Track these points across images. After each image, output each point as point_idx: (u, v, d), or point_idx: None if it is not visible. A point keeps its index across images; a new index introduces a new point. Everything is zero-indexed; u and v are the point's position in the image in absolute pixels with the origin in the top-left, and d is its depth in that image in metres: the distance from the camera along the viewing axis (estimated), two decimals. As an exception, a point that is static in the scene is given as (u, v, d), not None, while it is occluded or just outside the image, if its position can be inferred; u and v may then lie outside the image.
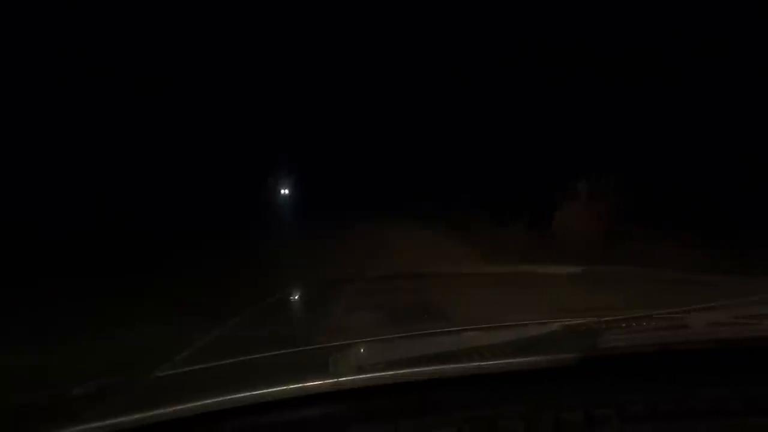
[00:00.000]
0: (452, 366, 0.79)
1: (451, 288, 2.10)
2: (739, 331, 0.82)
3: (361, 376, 0.79)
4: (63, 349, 3.66)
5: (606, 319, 0.89)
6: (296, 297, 2.13)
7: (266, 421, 0.77)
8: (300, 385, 0.78)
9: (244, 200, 21.24)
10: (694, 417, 0.75)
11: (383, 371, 0.80)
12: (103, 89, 12.28)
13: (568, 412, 0.75)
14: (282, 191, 33.20)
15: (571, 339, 0.84)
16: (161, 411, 0.76)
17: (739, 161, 7.23)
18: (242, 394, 0.77)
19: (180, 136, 15.83)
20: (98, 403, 0.95)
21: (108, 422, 0.75)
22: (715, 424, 0.75)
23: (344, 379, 0.78)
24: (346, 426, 0.77)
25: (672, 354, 0.78)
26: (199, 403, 0.76)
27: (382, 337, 1.10)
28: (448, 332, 1.07)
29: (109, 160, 12.54)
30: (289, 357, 1.02)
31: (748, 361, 0.80)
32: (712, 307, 0.93)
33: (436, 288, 2.10)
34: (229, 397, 0.77)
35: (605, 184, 8.58)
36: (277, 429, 0.78)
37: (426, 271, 3.02)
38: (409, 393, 0.79)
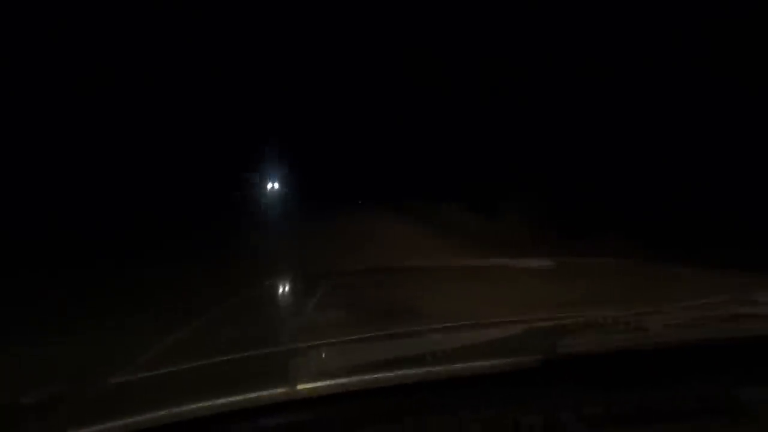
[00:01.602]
0: (413, 371, 0.77)
1: (425, 282, 2.09)
2: (695, 333, 0.82)
3: (318, 384, 0.77)
4: (17, 351, 3.53)
5: (566, 322, 0.88)
6: (267, 294, 2.09)
7: None
8: (256, 394, 0.75)
9: (220, 195, 20.84)
10: (654, 419, 0.75)
11: (343, 377, 0.78)
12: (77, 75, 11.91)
13: (528, 417, 0.73)
14: (270, 186, 32.63)
15: (531, 341, 0.82)
16: (111, 425, 0.73)
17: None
18: (195, 406, 0.74)
19: (159, 126, 15.44)
20: (49, 413, 0.91)
21: None
22: (673, 426, 0.74)
23: (302, 387, 0.76)
24: None
25: (631, 356, 0.77)
26: (149, 416, 0.73)
27: (347, 338, 1.08)
28: (414, 332, 1.05)
29: (77, 151, 12.18)
30: (250, 362, 0.99)
31: (704, 362, 0.79)
32: (671, 309, 0.93)
33: (411, 283, 2.09)
34: (181, 409, 0.74)
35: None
36: None
37: (402, 265, 3.00)
38: (369, 399, 0.76)
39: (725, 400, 0.77)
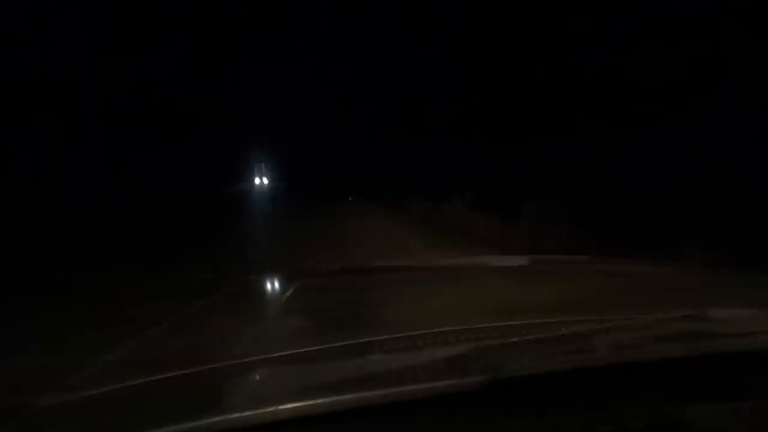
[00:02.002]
0: (353, 396, 0.72)
1: (395, 285, 2.04)
2: (644, 353, 0.78)
3: (250, 413, 0.71)
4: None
5: (517, 339, 0.84)
6: (229, 299, 2.03)
7: None
8: (184, 425, 0.69)
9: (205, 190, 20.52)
10: None
11: (276, 404, 0.72)
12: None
13: None
14: (258, 180, 32.12)
15: (479, 361, 0.78)
16: None
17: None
18: None
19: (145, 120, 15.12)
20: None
21: None
22: None
23: (233, 416, 0.71)
24: None
25: (579, 377, 0.73)
26: None
27: (296, 351, 1.04)
28: (363, 345, 1.00)
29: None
30: (187, 381, 0.94)
31: (654, 380, 0.76)
32: (624, 326, 0.90)
33: (381, 285, 2.05)
34: None
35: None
36: None
37: (375, 265, 2.96)
38: (305, 426, 0.71)
39: (673, 420, 0.74)
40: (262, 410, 0.71)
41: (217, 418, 0.71)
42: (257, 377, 0.95)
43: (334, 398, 0.72)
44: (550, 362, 0.74)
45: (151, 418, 0.75)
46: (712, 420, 0.74)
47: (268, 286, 2.32)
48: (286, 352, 1.06)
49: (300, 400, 0.72)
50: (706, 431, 0.73)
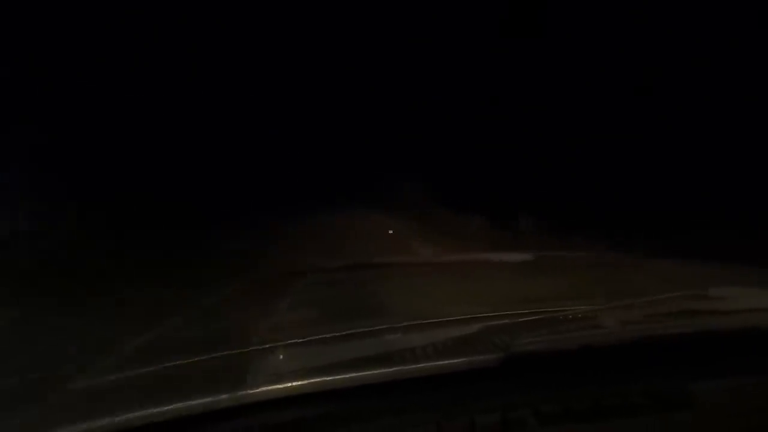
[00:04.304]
0: (369, 373, 0.78)
1: (402, 279, 2.10)
2: (648, 330, 0.82)
3: (272, 387, 0.77)
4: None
5: (524, 320, 0.89)
6: (244, 292, 2.09)
7: None
8: (212, 399, 0.75)
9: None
10: (609, 414, 0.75)
11: (298, 380, 0.78)
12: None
13: (484, 415, 0.74)
14: None
15: (489, 339, 0.83)
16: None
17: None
18: (152, 411, 0.74)
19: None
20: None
21: None
22: (627, 421, 0.75)
23: (255, 391, 0.77)
24: None
25: (585, 353, 0.78)
26: (105, 422, 0.73)
27: (310, 338, 1.09)
28: (378, 332, 1.05)
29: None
30: (212, 363, 0.99)
31: (657, 358, 0.80)
32: (628, 305, 0.94)
33: (388, 279, 2.10)
34: (137, 414, 0.73)
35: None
36: None
37: (383, 261, 3.01)
38: (325, 402, 0.77)
39: (677, 394, 0.78)
40: (285, 385, 0.76)
41: (241, 392, 0.76)
42: (278, 358, 1.01)
43: (353, 374, 0.77)
44: (557, 340, 0.79)
45: (180, 394, 0.80)
46: (712, 395, 0.78)
47: (279, 281, 2.38)
48: (303, 339, 1.10)
49: (320, 377, 0.78)
50: (707, 406, 0.77)
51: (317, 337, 1.07)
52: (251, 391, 0.77)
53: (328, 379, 0.77)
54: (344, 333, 1.06)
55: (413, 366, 0.79)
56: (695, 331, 0.81)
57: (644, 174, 7.07)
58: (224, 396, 0.75)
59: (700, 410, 0.77)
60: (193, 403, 0.74)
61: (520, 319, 0.89)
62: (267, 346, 1.07)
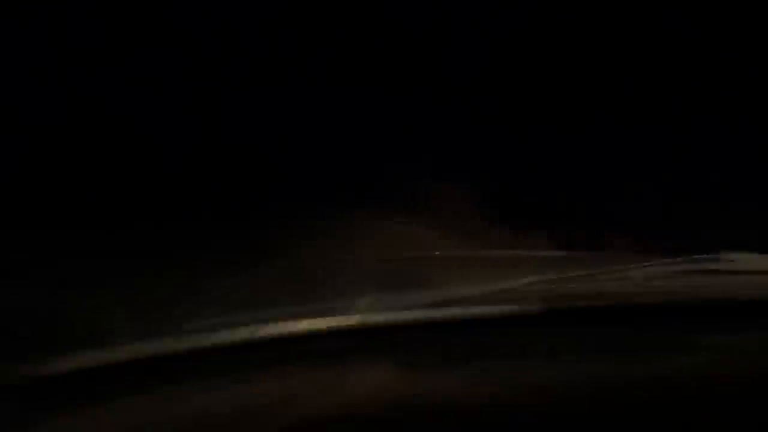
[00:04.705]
0: (453, 310, 0.96)
1: (446, 268, 2.29)
2: (669, 286, 0.98)
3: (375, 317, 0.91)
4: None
5: (565, 276, 1.06)
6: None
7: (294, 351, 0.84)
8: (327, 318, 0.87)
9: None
10: (644, 351, 0.88)
11: (397, 313, 0.94)
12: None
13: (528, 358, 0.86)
14: None
15: (537, 292, 1.01)
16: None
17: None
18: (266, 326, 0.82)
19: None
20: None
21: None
22: (649, 357, 0.86)
23: (362, 316, 0.90)
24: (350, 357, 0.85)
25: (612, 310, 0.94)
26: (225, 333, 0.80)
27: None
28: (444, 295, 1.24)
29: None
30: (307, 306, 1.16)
31: (678, 309, 0.96)
32: (656, 263, 1.10)
33: (433, 268, 2.29)
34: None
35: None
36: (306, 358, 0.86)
37: (426, 254, 3.17)
38: (414, 333, 0.95)
39: (689, 345, 0.90)
40: (389, 314, 0.92)
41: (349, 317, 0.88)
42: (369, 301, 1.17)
43: (417, 312, 0.93)
44: (592, 292, 0.96)
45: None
46: (728, 342, 0.88)
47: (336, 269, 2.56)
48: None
49: (386, 314, 0.92)
50: (721, 351, 0.86)
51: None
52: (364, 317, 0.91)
53: (395, 315, 0.90)
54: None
55: (472, 309, 0.94)
56: (711, 284, 0.95)
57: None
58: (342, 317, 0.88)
59: (716, 353, 0.87)
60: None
61: (563, 275, 1.06)
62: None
